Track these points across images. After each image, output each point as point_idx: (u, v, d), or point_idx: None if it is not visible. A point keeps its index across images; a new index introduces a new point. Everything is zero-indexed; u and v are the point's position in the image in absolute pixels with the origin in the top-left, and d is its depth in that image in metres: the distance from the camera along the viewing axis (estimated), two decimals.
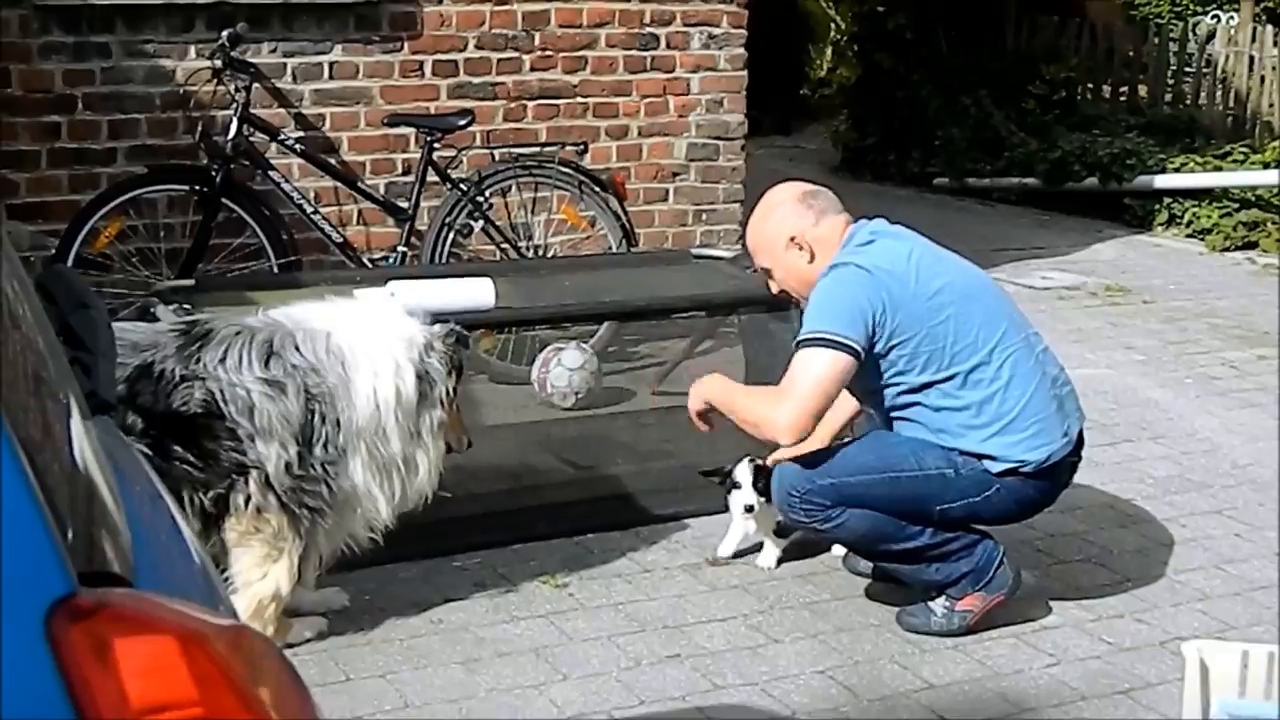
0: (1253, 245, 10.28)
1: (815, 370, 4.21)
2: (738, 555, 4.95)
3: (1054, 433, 4.39)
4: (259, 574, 4.13)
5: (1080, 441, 4.52)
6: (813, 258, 4.43)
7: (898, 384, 4.37)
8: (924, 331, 4.29)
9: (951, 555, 4.41)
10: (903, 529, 4.37)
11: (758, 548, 4.94)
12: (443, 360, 4.25)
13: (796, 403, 4.21)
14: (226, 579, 4.10)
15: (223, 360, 4.02)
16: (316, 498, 4.12)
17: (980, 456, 4.33)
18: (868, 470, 4.33)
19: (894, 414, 4.44)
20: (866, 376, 4.33)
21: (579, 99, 7.43)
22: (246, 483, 4.04)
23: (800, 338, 4.29)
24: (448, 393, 4.27)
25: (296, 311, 4.23)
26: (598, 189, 6.90)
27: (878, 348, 4.28)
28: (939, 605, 4.45)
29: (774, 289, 4.64)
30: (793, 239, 4.45)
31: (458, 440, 4.41)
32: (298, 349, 4.09)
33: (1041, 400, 4.38)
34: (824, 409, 4.27)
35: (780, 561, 4.88)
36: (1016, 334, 4.43)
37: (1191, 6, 14.51)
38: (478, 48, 7.20)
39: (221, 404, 4.00)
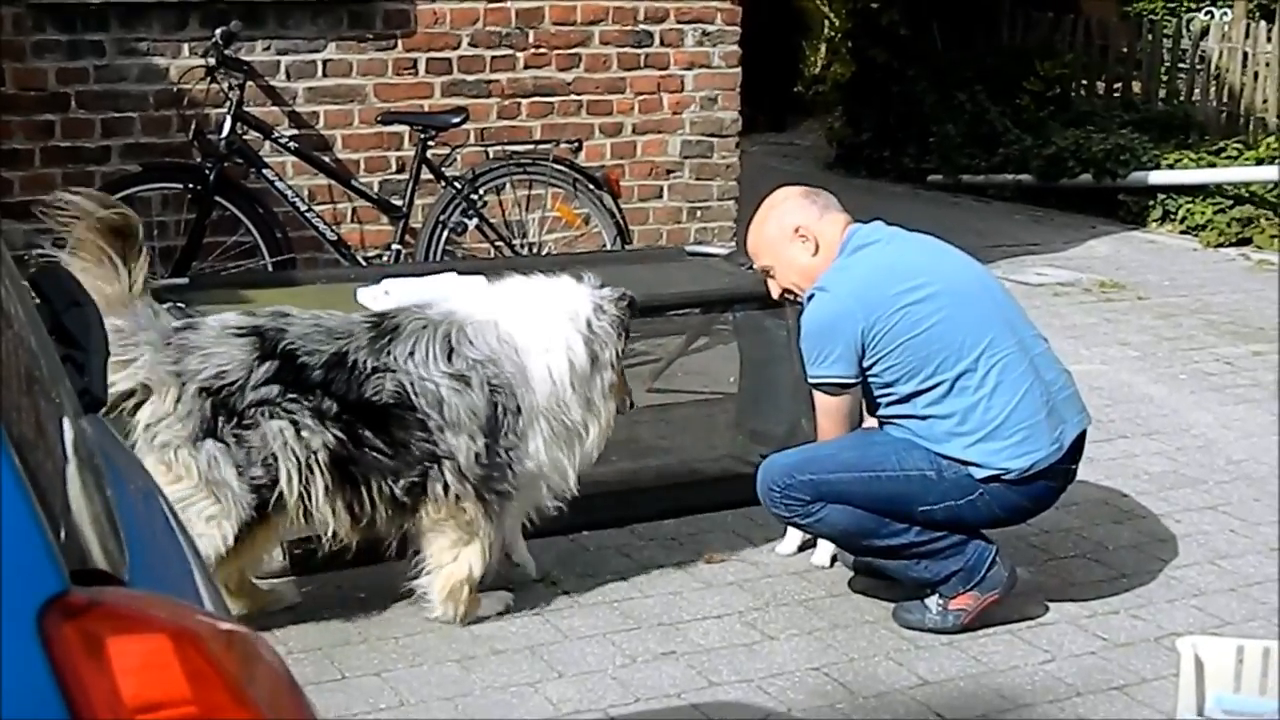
0: (1247, 241, 10.29)
1: (835, 414, 4.46)
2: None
3: (1041, 440, 4.37)
4: (451, 556, 4.35)
5: (1078, 448, 4.49)
6: (816, 249, 4.48)
7: (887, 394, 4.42)
8: (906, 345, 4.32)
9: (940, 553, 4.42)
10: (885, 525, 4.38)
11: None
12: (613, 323, 4.43)
13: (820, 437, 4.54)
14: (419, 562, 4.38)
15: (411, 354, 4.21)
16: (503, 482, 4.34)
17: (964, 463, 4.34)
18: (848, 468, 4.35)
19: (884, 420, 4.50)
20: (865, 387, 4.46)
21: (573, 96, 7.43)
22: (442, 472, 4.25)
23: (810, 381, 4.46)
24: (616, 355, 4.45)
25: (463, 304, 4.41)
26: (592, 186, 6.90)
27: (866, 363, 4.36)
28: (933, 603, 4.46)
29: (775, 291, 4.68)
30: (798, 230, 4.51)
31: (622, 401, 4.58)
32: (471, 342, 4.27)
33: (1030, 407, 4.36)
34: (839, 429, 4.49)
35: (834, 559, 4.87)
36: (1009, 338, 4.41)
37: (1185, 2, 14.50)
38: (472, 45, 7.20)
39: (412, 396, 4.19)
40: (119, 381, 4.04)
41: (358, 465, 4.19)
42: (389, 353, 4.20)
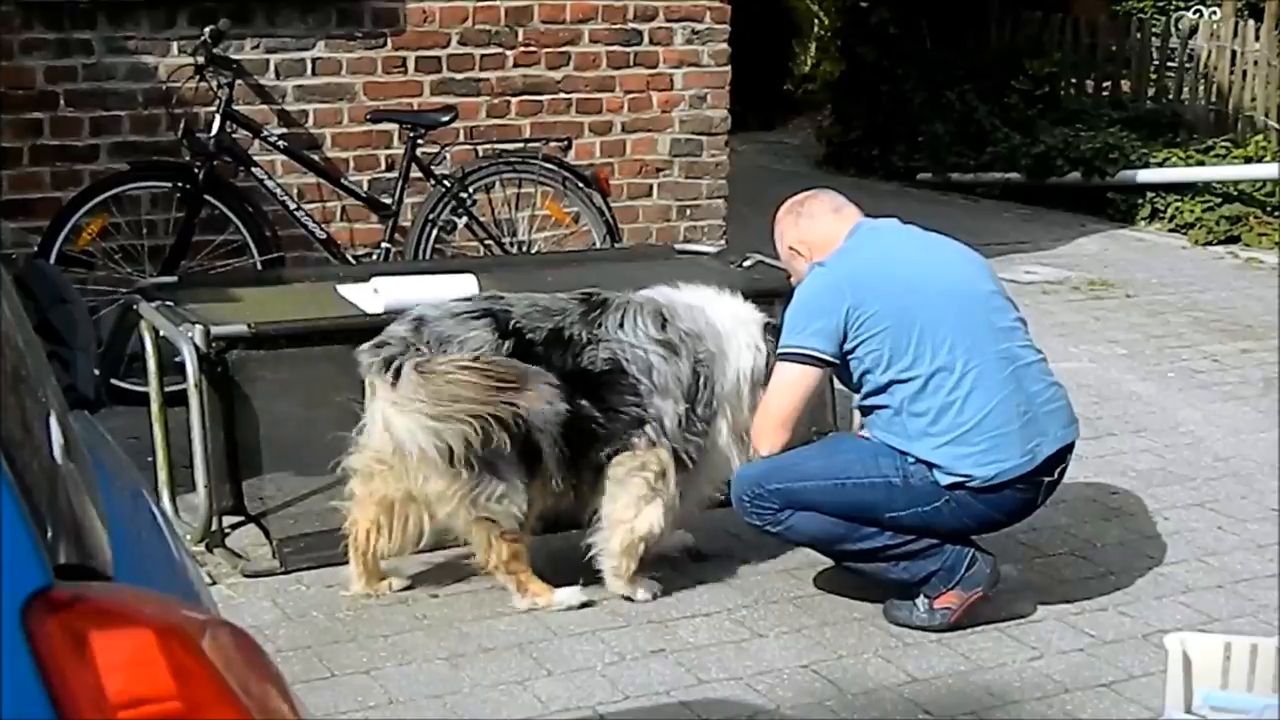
0: (1235, 239, 10.31)
1: (781, 385, 4.47)
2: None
3: (1010, 450, 4.35)
4: (633, 512, 4.53)
5: (1057, 461, 4.45)
6: (809, 257, 4.57)
7: (865, 381, 4.44)
8: (888, 330, 4.34)
9: (917, 555, 4.43)
10: (856, 531, 4.40)
11: None
12: (771, 346, 4.60)
13: (765, 416, 4.50)
14: (598, 518, 4.56)
15: (620, 325, 4.50)
16: (696, 450, 4.56)
17: (930, 465, 4.35)
18: (814, 476, 4.39)
19: (864, 411, 4.55)
20: (844, 373, 4.50)
21: (562, 95, 7.42)
22: (644, 430, 4.48)
23: (780, 349, 4.49)
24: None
25: (666, 290, 4.72)
26: (581, 185, 6.90)
27: (847, 346, 4.38)
28: (920, 602, 4.47)
29: None
30: (791, 249, 4.66)
31: None
32: (681, 317, 4.58)
33: (1002, 416, 4.35)
34: (793, 418, 4.47)
35: None
36: (992, 345, 4.41)
37: (1174, 1, 14.52)
38: (461, 44, 7.19)
39: (624, 363, 4.46)
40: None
41: (580, 434, 4.42)
42: (601, 324, 4.49)
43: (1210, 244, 10.27)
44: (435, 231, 6.73)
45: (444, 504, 4.36)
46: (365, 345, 4.38)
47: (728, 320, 4.65)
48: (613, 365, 4.45)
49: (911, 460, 4.36)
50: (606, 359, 4.45)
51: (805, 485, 4.38)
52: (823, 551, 4.65)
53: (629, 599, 4.59)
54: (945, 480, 4.35)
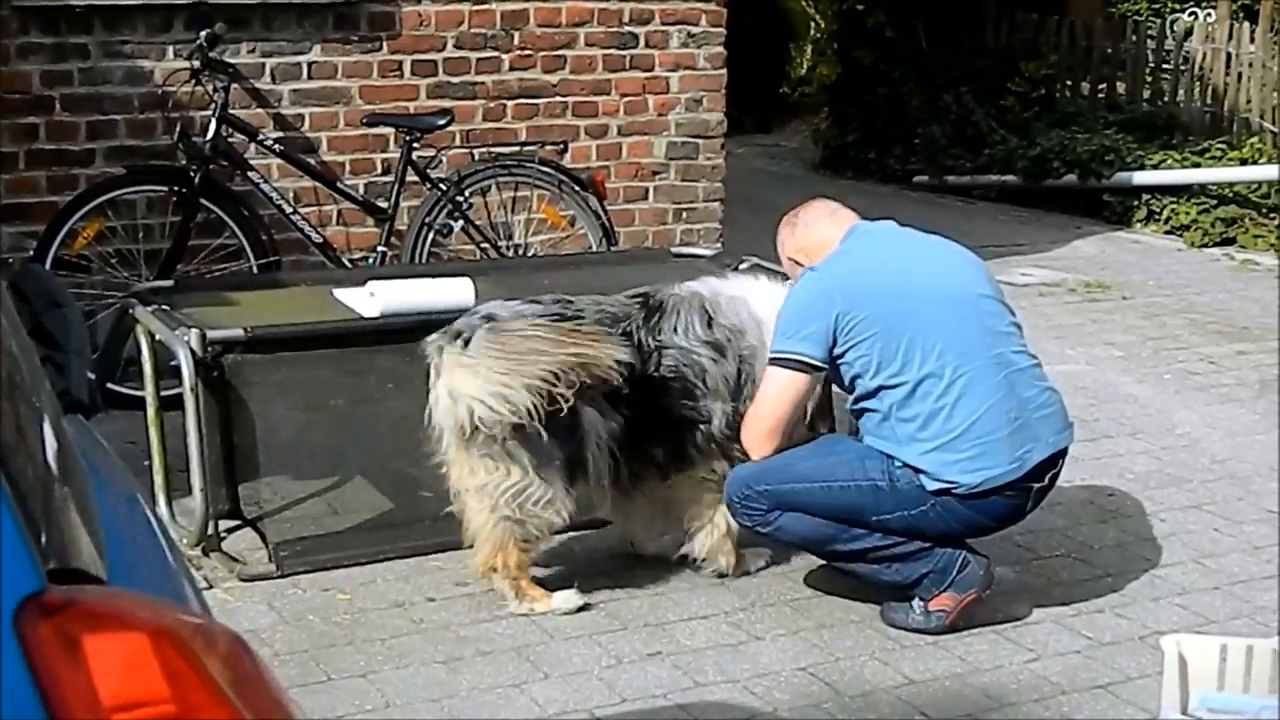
0: (1231, 241, 10.32)
1: (771, 390, 4.47)
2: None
3: (998, 457, 4.34)
4: (708, 516, 4.68)
5: (1048, 467, 4.45)
6: (809, 264, 4.59)
7: (856, 386, 4.45)
8: (878, 335, 4.34)
9: (907, 557, 4.43)
10: (845, 532, 4.41)
11: None
12: None
13: (755, 420, 4.50)
14: (687, 528, 4.71)
15: (676, 329, 4.56)
16: (738, 445, 4.57)
17: (917, 470, 4.35)
18: (801, 479, 4.40)
19: (856, 415, 4.55)
20: (838, 376, 4.51)
21: (558, 98, 7.43)
22: (697, 436, 4.57)
23: (772, 353, 4.50)
24: None
25: (712, 281, 4.80)
26: (577, 188, 6.90)
27: (836, 351, 4.38)
28: (916, 604, 4.47)
29: None
30: (791, 258, 4.69)
31: (823, 419, 4.88)
32: (725, 312, 4.64)
33: (992, 423, 4.34)
34: (783, 423, 4.46)
35: None
36: (985, 351, 4.40)
37: (1170, 3, 14.53)
38: (457, 47, 7.20)
39: (683, 368, 4.55)
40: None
41: (639, 438, 4.48)
42: (661, 330, 4.55)
43: (1206, 246, 10.28)
44: (431, 235, 6.73)
45: (482, 499, 4.38)
46: (434, 335, 4.39)
47: (768, 311, 4.65)
48: (675, 372, 4.53)
49: (899, 465, 4.37)
50: (670, 366, 4.53)
51: (794, 487, 4.38)
52: (814, 552, 4.66)
53: (749, 573, 4.78)
54: (931, 486, 4.34)
